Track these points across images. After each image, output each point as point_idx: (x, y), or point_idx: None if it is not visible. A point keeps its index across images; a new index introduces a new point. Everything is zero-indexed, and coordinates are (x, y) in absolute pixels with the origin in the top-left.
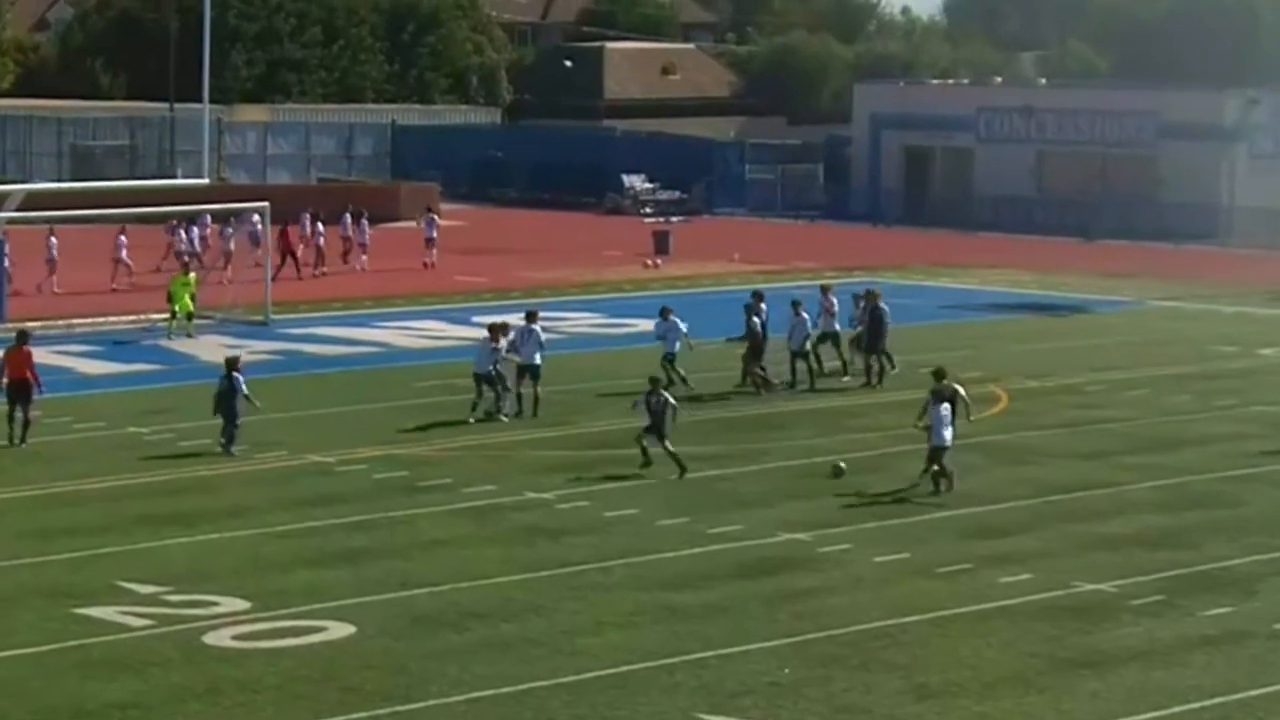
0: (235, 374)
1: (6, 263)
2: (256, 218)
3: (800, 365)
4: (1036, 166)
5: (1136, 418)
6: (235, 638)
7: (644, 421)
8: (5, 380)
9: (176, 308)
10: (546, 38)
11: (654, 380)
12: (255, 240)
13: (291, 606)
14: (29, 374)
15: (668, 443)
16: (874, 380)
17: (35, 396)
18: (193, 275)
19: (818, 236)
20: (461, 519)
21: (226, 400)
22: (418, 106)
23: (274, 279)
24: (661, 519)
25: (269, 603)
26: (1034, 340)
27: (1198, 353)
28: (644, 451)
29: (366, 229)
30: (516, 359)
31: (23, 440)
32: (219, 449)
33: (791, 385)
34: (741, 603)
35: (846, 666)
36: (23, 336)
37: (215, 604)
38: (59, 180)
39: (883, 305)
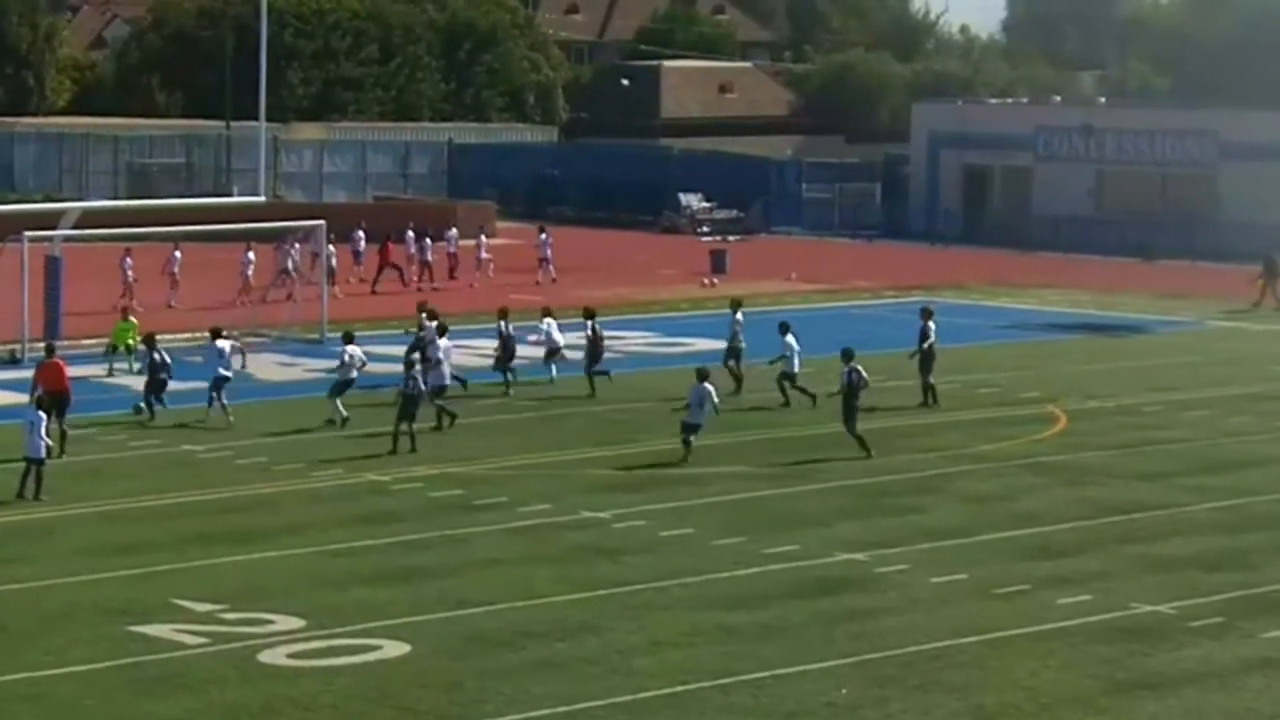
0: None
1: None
2: (360, 234)
3: (789, 388)
4: (1096, 186)
5: (1196, 438)
6: (290, 656)
7: None
8: (40, 393)
9: (118, 345)
10: (603, 56)
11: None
12: (357, 257)
13: (347, 625)
14: (65, 385)
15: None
16: (929, 400)
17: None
18: (133, 320)
19: (875, 255)
20: (517, 538)
21: (156, 374)
22: (474, 125)
23: (373, 291)
24: (717, 539)
25: (324, 621)
26: (1093, 360)
27: (1258, 373)
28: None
29: (485, 244)
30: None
31: (60, 452)
32: (136, 411)
33: (785, 404)
34: (798, 623)
35: (904, 687)
36: (51, 349)
37: (270, 622)
38: (115, 198)
39: (930, 324)
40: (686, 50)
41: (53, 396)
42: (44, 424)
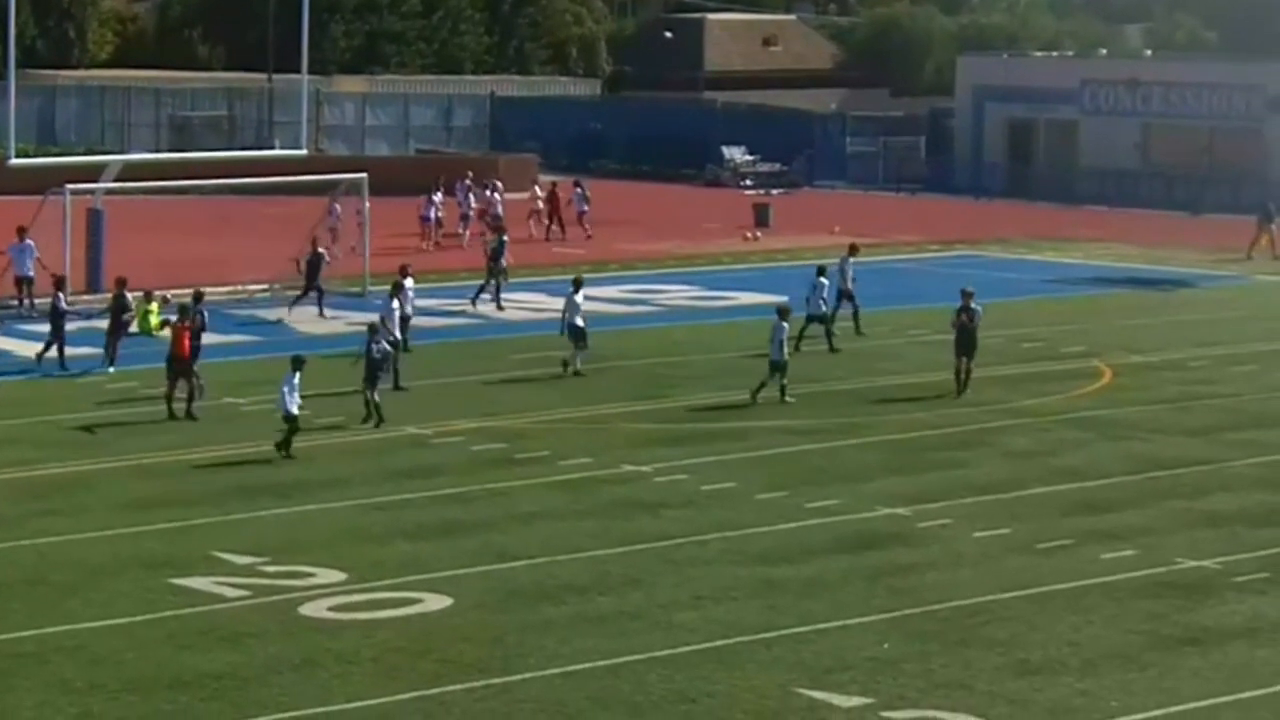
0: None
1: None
2: (538, 188)
3: (820, 330)
4: (1142, 140)
5: (1242, 393)
6: (331, 609)
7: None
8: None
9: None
10: (647, 9)
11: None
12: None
13: (388, 578)
14: (177, 349)
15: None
16: (961, 389)
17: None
18: (154, 305)
19: (919, 209)
20: (558, 491)
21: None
22: (517, 78)
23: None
24: (759, 493)
25: (365, 574)
26: (1138, 315)
27: None
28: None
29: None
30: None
31: (188, 414)
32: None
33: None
34: (840, 578)
35: (946, 642)
36: (183, 312)
37: (311, 575)
38: (157, 151)
39: (974, 306)
40: (730, 3)
41: (175, 358)
42: (293, 381)
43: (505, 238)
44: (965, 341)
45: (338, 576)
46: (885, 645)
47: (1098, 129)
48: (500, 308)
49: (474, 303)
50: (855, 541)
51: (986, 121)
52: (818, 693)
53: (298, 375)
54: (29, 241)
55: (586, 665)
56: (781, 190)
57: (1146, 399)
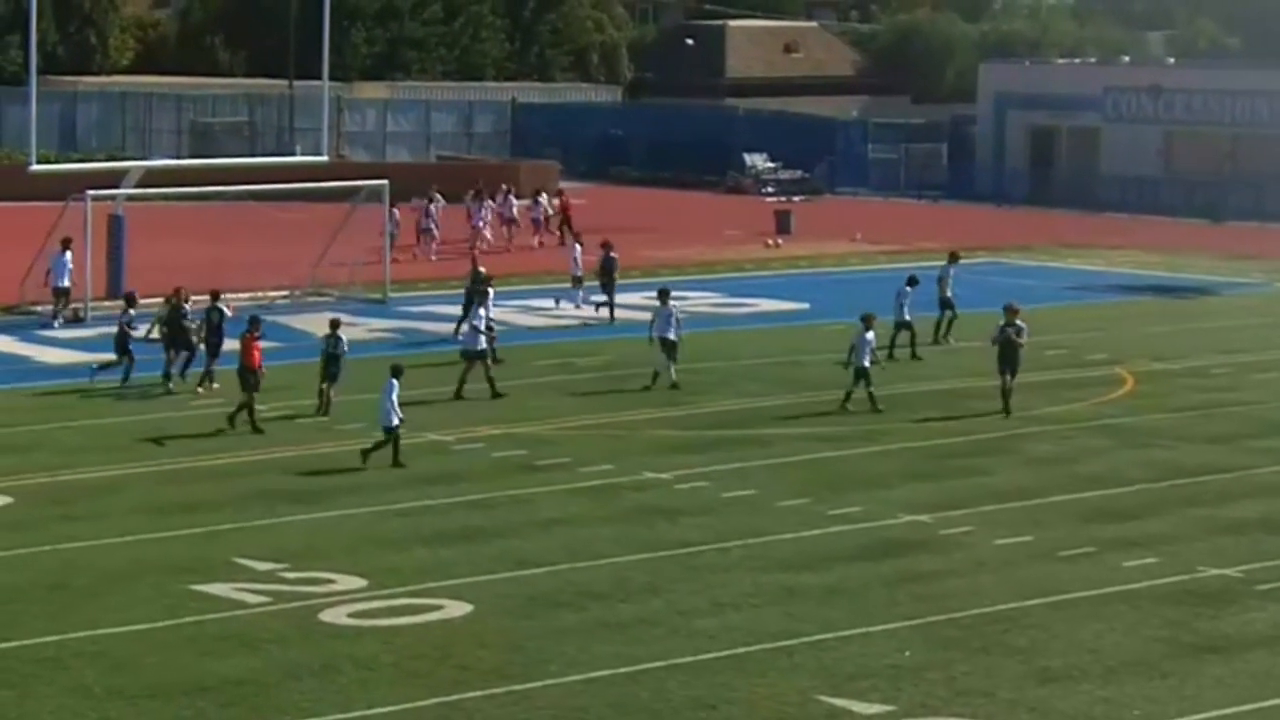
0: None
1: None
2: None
3: (902, 335)
4: (1164, 147)
5: (1264, 401)
6: (351, 615)
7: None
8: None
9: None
10: (668, 15)
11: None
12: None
13: (408, 585)
14: (245, 360)
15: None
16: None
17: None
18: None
19: (941, 216)
20: (579, 498)
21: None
22: (538, 84)
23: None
24: (780, 500)
25: (385, 581)
26: (1160, 322)
27: None
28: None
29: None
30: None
31: (253, 426)
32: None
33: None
34: (861, 584)
35: (967, 649)
36: (253, 322)
37: (332, 581)
38: (178, 157)
39: (1019, 323)
40: (751, 9)
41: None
42: (393, 392)
43: (614, 252)
44: (1009, 357)
45: (358, 583)
46: (907, 653)
47: (1120, 136)
48: (612, 317)
49: (599, 309)
50: (877, 548)
51: (1008, 128)
52: (839, 700)
53: (397, 385)
54: (68, 254)
55: (606, 672)
56: (803, 197)
57: (1169, 406)
